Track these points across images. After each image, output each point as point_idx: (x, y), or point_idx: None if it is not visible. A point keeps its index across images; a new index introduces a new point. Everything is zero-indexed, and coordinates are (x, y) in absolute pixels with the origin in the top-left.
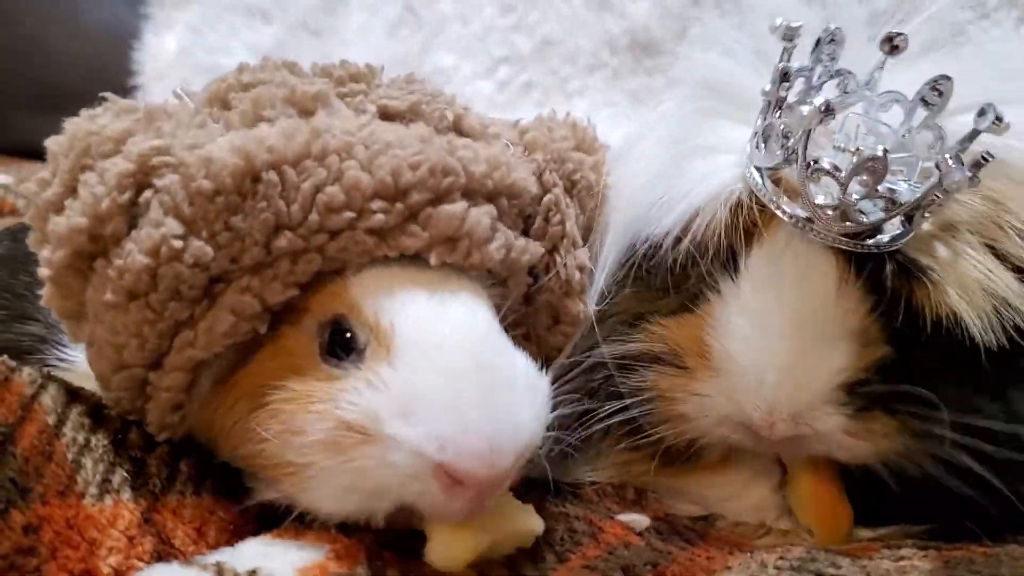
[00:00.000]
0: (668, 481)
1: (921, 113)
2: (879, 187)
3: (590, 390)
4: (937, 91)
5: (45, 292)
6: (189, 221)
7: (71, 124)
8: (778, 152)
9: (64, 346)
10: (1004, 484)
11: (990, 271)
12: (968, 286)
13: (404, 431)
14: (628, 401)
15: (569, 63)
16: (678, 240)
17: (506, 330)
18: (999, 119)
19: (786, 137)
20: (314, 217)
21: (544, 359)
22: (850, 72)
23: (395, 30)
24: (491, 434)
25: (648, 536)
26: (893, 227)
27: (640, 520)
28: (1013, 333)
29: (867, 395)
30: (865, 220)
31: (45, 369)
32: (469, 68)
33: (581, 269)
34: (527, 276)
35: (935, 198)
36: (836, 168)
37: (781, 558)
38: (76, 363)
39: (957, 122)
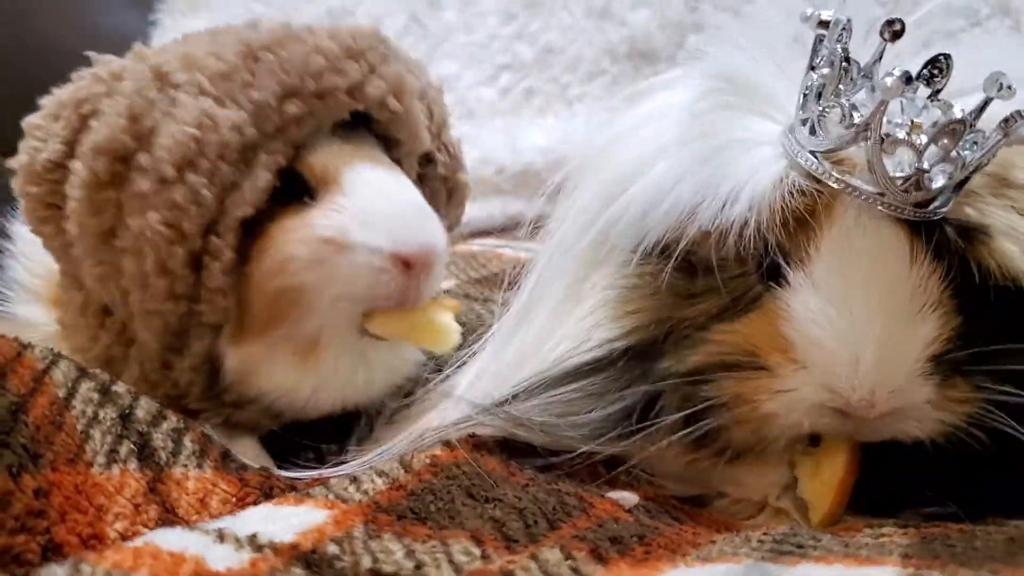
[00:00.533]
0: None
1: (924, 91)
2: (954, 152)
3: (646, 394)
4: (937, 68)
5: (73, 220)
6: (217, 97)
7: (53, 96)
8: (844, 132)
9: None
10: None
11: None
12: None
13: (368, 235)
14: (701, 412)
15: (570, 71)
16: (740, 232)
17: None
18: (1008, 86)
19: (851, 115)
20: (309, 82)
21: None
22: (855, 60)
23: (400, 40)
24: (425, 234)
25: (637, 513)
26: (946, 192)
27: (629, 498)
28: None
29: (950, 363)
30: (933, 187)
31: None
32: (472, 76)
33: (459, 144)
34: (416, 163)
35: (991, 157)
36: (910, 137)
37: (765, 533)
38: (19, 317)
39: (961, 103)
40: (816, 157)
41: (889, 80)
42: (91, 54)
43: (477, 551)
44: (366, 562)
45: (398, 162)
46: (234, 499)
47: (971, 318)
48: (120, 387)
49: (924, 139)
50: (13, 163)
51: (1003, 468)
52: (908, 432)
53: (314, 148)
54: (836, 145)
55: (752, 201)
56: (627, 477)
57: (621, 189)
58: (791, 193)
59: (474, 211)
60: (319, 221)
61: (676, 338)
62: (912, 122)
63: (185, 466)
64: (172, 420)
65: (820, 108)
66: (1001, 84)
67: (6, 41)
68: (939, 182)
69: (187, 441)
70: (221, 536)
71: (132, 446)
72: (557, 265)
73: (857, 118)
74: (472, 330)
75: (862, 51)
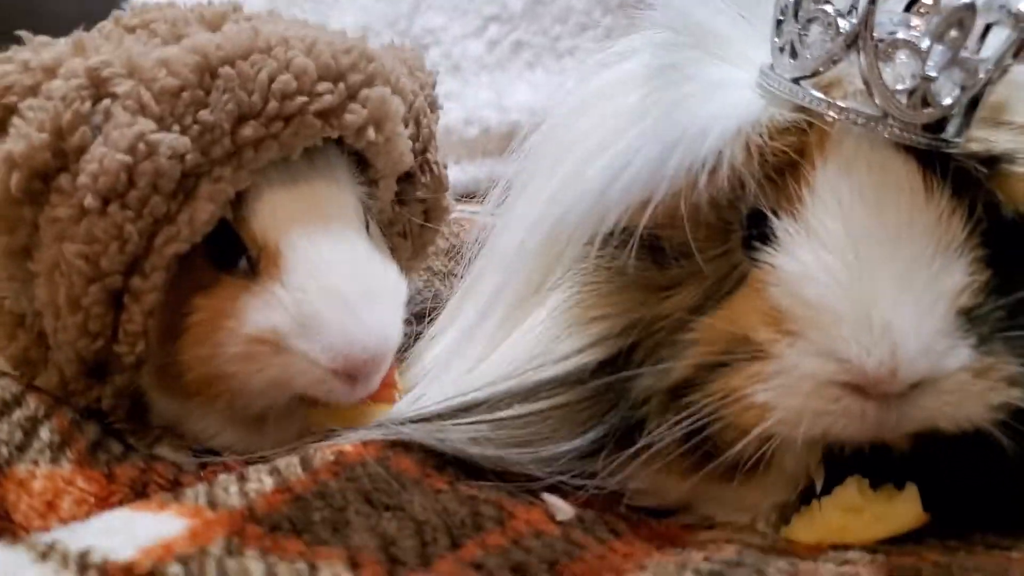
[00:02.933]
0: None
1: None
2: (964, 50)
3: (625, 416)
4: None
5: None
6: (159, 118)
7: None
8: (830, 45)
9: None
10: None
11: None
12: None
13: (304, 345)
14: (690, 423)
15: (560, 22)
16: (710, 177)
17: (382, 230)
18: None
19: (836, 28)
20: (273, 104)
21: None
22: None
23: None
24: (370, 344)
25: (568, 526)
26: (956, 119)
27: (564, 508)
28: None
29: (983, 322)
30: (942, 103)
31: None
32: (459, 28)
33: (445, 166)
34: (394, 184)
35: (1006, 65)
36: (910, 38)
37: (706, 559)
38: None
39: None
40: (800, 84)
41: None
42: (23, 33)
43: None
44: None
45: (373, 182)
46: (92, 499)
47: (1004, 272)
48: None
49: (927, 41)
50: None
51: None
52: (949, 416)
53: (261, 194)
54: (824, 63)
55: (723, 138)
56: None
57: (575, 174)
58: (771, 132)
59: (457, 174)
60: (253, 316)
61: (651, 345)
62: (911, 24)
63: (34, 462)
64: (29, 406)
65: (799, 25)
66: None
67: None
68: (947, 96)
69: (43, 432)
70: (46, 553)
71: None
72: (507, 266)
73: (845, 25)
74: (427, 313)
75: None
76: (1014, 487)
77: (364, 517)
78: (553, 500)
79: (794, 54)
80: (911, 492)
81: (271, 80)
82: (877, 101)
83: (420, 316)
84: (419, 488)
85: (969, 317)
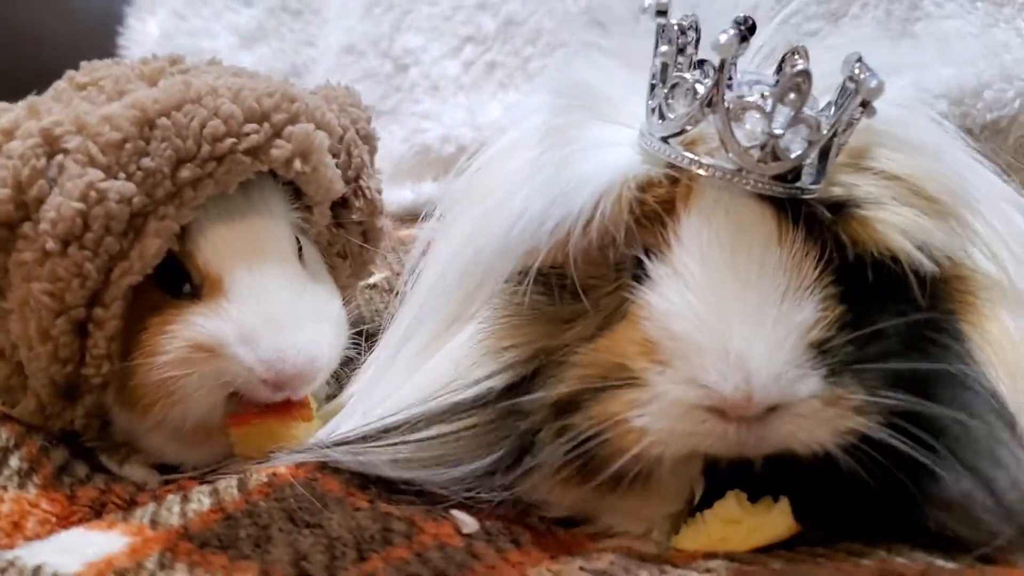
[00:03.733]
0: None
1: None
2: (804, 109)
3: (523, 435)
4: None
5: None
6: (106, 167)
7: None
8: (688, 109)
9: None
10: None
11: (903, 210)
12: (890, 209)
13: (243, 353)
14: (576, 440)
15: (531, 43)
16: (585, 228)
17: (322, 251)
18: (863, 67)
19: (694, 88)
20: (205, 148)
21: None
22: (707, 61)
23: (369, 10)
24: (298, 362)
25: (472, 538)
26: (811, 168)
27: (469, 523)
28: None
29: (835, 355)
30: (791, 156)
31: None
32: (437, 49)
33: (379, 192)
34: (328, 210)
35: (852, 119)
36: (758, 104)
37: (581, 568)
38: None
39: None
40: (667, 142)
41: (724, 37)
42: None
43: None
44: None
45: (308, 208)
46: (55, 519)
47: (855, 309)
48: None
49: (771, 101)
50: None
51: (885, 487)
52: (800, 439)
53: (203, 229)
54: (683, 123)
55: (596, 192)
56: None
57: (486, 219)
58: (643, 186)
59: (435, 190)
60: (197, 325)
61: (550, 371)
62: (762, 94)
63: (3, 487)
64: (1, 437)
65: (666, 89)
66: (853, 62)
67: None
68: (796, 149)
69: (13, 460)
70: (5, 569)
71: None
72: (431, 303)
73: (701, 89)
74: (369, 332)
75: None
76: (867, 503)
77: (285, 534)
78: (459, 515)
79: (662, 115)
80: (784, 505)
81: (202, 126)
82: (732, 157)
83: (369, 334)
84: (341, 507)
85: (820, 350)
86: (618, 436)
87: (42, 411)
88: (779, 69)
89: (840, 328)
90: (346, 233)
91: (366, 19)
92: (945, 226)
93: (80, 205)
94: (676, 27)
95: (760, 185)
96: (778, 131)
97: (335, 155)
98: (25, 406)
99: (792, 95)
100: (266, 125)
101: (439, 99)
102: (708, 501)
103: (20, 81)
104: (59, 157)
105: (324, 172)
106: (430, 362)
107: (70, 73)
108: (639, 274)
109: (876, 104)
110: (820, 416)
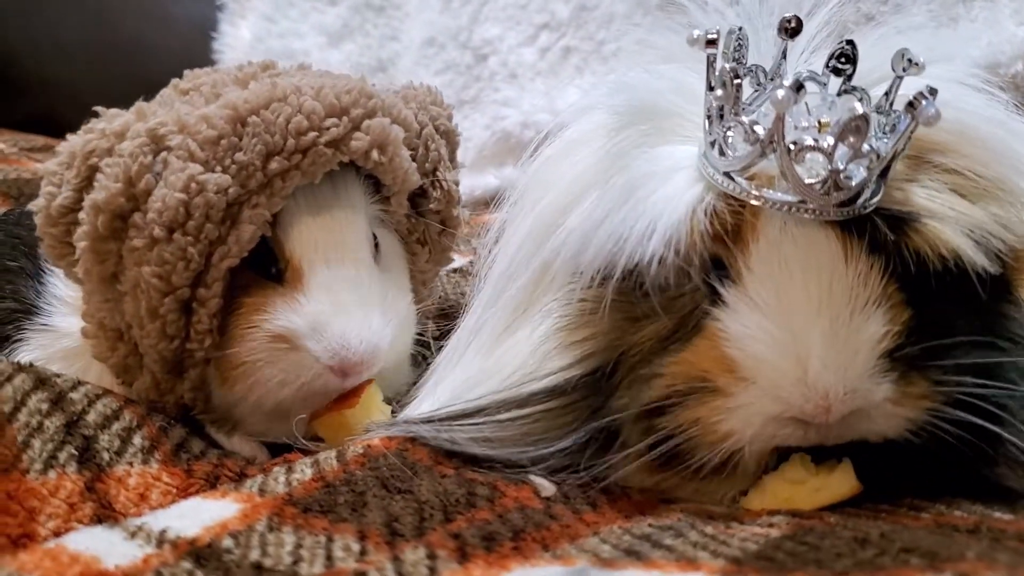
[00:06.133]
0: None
1: (836, 82)
2: (864, 146)
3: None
4: (844, 56)
5: (81, 265)
6: (205, 162)
7: (67, 144)
8: (749, 149)
9: (42, 315)
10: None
11: (961, 203)
12: (950, 215)
13: (312, 346)
14: (665, 439)
15: (604, 27)
16: (660, 262)
17: (403, 238)
18: (913, 61)
19: (753, 132)
20: (291, 141)
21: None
22: (759, 66)
23: (448, 3)
24: (363, 350)
25: (551, 501)
26: (871, 186)
27: (547, 486)
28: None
29: (904, 359)
30: (852, 184)
31: (25, 360)
32: (514, 37)
33: (457, 183)
34: (406, 200)
35: (907, 142)
36: (818, 146)
37: (649, 525)
38: (56, 327)
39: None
40: (731, 176)
41: (780, 92)
42: (99, 109)
43: (357, 547)
44: (253, 555)
45: (387, 199)
46: (175, 490)
47: (921, 311)
48: (77, 393)
49: (831, 140)
50: (33, 206)
51: (949, 452)
52: (873, 431)
53: (291, 217)
54: (745, 163)
55: (667, 234)
56: None
57: (555, 220)
58: (712, 216)
59: (515, 175)
60: (276, 316)
61: (627, 368)
62: (820, 122)
63: (130, 463)
64: (125, 419)
65: (723, 129)
66: (908, 60)
67: (86, 37)
68: (858, 177)
69: (136, 439)
70: (135, 532)
71: (73, 451)
72: (503, 289)
73: (760, 131)
74: (453, 315)
75: (775, 50)
76: (930, 465)
77: (379, 499)
78: (537, 480)
79: (722, 151)
80: (846, 466)
81: (288, 122)
82: (795, 191)
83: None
84: (429, 474)
85: (891, 357)
86: (703, 436)
87: (156, 387)
88: (830, 65)
89: (908, 334)
90: (425, 222)
91: (445, 12)
92: (1011, 208)
93: (182, 196)
94: (730, 71)
95: (823, 213)
96: (840, 166)
97: (413, 148)
98: (142, 383)
99: (852, 138)
100: (345, 119)
101: (517, 86)
102: (774, 463)
103: (127, 91)
104: (163, 154)
105: (400, 163)
106: (503, 347)
107: (175, 81)
108: (713, 297)
109: (922, 67)
110: (892, 412)
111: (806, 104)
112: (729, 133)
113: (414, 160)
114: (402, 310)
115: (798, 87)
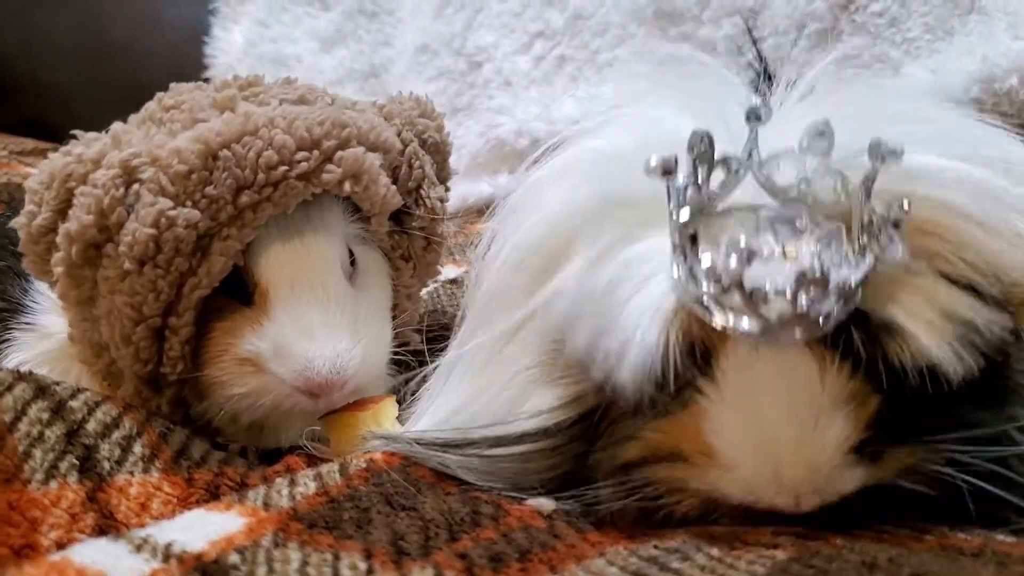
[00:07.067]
0: None
1: (812, 161)
2: (829, 289)
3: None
4: (820, 133)
5: (59, 288)
6: (175, 196)
7: (47, 163)
8: (713, 288)
9: (30, 314)
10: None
11: (947, 296)
12: (933, 320)
13: (276, 368)
14: (637, 494)
15: (599, 36)
16: (633, 384)
17: (386, 254)
18: (891, 152)
19: (717, 276)
20: (261, 175)
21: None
22: (731, 156)
23: (441, 10)
24: (327, 371)
25: (553, 519)
26: (841, 307)
27: (545, 504)
28: (986, 350)
29: (874, 443)
30: (820, 320)
31: (22, 369)
32: (508, 45)
33: (441, 200)
34: (388, 219)
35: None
36: (778, 291)
37: (655, 546)
38: (41, 326)
39: (854, 165)
40: (701, 303)
41: (733, 261)
42: (76, 132)
43: (363, 566)
44: (260, 572)
45: (367, 219)
46: (176, 500)
47: (895, 392)
48: (77, 402)
49: (792, 283)
50: (15, 223)
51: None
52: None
53: (262, 244)
54: (712, 297)
55: (639, 360)
56: None
57: (540, 264)
58: (688, 330)
59: (511, 183)
60: (244, 340)
61: (610, 420)
62: (784, 251)
63: (131, 472)
64: (125, 427)
65: (687, 265)
66: (882, 150)
67: (79, 41)
68: (825, 310)
69: (137, 447)
70: (140, 545)
71: (74, 460)
72: (491, 312)
73: (724, 278)
74: (448, 326)
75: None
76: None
77: (383, 516)
78: (534, 502)
79: (691, 276)
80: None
81: (258, 156)
82: (759, 328)
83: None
84: (433, 491)
85: (860, 451)
86: (679, 493)
87: (139, 395)
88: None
89: (876, 423)
90: (408, 238)
91: (439, 19)
92: (1003, 243)
93: (152, 231)
94: (686, 218)
95: (790, 344)
96: (803, 308)
97: (396, 167)
98: (125, 390)
99: (812, 289)
100: (316, 152)
101: (512, 94)
102: None
103: (119, 95)
104: (135, 186)
105: (376, 190)
106: (486, 376)
107: (159, 95)
108: (697, 383)
109: (900, 156)
110: (864, 481)
111: (772, 226)
112: (696, 263)
113: (396, 180)
114: (375, 328)
115: (749, 255)
